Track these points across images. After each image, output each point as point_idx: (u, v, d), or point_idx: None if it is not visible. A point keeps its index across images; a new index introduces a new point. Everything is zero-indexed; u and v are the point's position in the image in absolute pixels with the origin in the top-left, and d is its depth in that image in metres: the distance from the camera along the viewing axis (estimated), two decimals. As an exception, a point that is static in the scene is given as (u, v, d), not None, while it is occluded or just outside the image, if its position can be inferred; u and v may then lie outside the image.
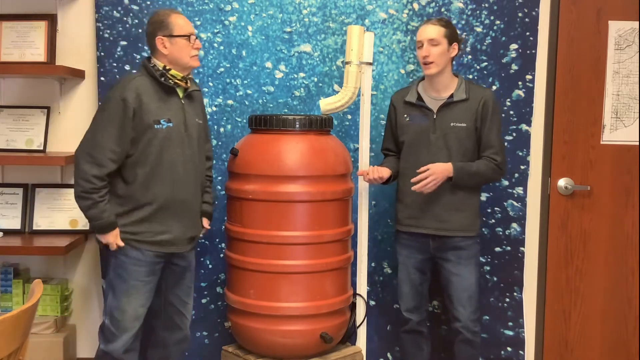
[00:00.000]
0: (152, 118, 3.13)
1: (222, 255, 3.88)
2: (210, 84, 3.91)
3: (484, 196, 3.94)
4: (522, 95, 3.96)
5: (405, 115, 3.55)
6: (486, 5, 3.92)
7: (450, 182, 3.39)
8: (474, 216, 3.54)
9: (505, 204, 4.01)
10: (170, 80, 3.21)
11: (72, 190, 3.94)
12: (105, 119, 3.10)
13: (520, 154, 3.98)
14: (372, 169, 3.51)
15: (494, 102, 3.49)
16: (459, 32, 3.73)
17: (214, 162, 3.89)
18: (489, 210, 4.00)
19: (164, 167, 3.17)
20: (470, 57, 3.95)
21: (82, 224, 3.95)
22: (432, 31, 3.42)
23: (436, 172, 3.34)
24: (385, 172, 3.50)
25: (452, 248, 3.50)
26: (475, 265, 3.56)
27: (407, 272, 3.61)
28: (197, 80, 3.88)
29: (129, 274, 3.19)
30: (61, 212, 3.96)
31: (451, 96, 3.47)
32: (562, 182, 4.06)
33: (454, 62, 3.59)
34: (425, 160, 3.43)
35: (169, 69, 3.21)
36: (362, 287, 3.76)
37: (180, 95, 3.28)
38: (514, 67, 3.95)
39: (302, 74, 3.96)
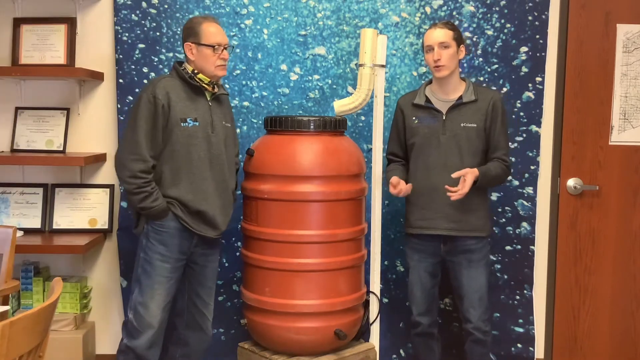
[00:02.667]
0: (179, 116, 3.23)
1: (238, 253, 3.92)
2: (227, 86, 3.96)
3: (494, 196, 4.00)
4: (532, 96, 4.01)
5: (414, 118, 3.57)
6: (497, 8, 3.97)
7: (473, 185, 3.38)
8: (486, 217, 3.57)
9: (515, 203, 4.06)
10: (198, 83, 3.30)
11: (91, 190, 4.04)
12: (139, 118, 3.19)
13: (530, 154, 4.03)
14: (404, 189, 3.47)
15: (502, 104, 3.54)
16: (470, 34, 3.78)
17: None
18: (500, 210, 4.05)
19: (191, 165, 3.27)
20: (481, 59, 4.00)
21: (101, 223, 4.01)
22: (442, 35, 3.44)
23: (470, 180, 3.33)
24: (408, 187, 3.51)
25: (463, 251, 3.53)
26: (486, 266, 3.58)
27: (419, 276, 3.62)
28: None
29: (154, 270, 3.27)
30: (81, 212, 4.02)
31: (460, 97, 3.49)
32: (571, 182, 4.11)
33: (464, 65, 3.64)
34: (435, 162, 3.47)
35: (197, 73, 3.31)
36: (375, 285, 3.79)
37: (208, 97, 3.36)
38: (524, 69, 4.00)
39: (316, 76, 4.02)
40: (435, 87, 3.56)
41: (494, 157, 3.50)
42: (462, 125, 3.48)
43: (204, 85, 3.32)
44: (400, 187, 3.45)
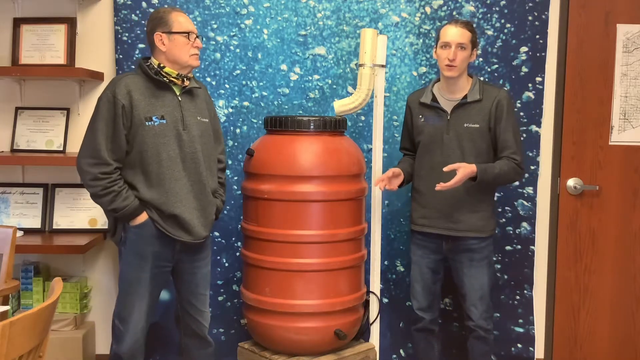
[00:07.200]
0: (143, 115, 3.05)
1: (238, 253, 3.93)
2: (227, 86, 3.98)
3: (494, 196, 3.99)
4: (532, 96, 4.01)
5: (421, 116, 3.56)
6: (497, 8, 3.97)
7: (472, 182, 3.35)
8: (488, 217, 3.54)
9: (515, 203, 4.06)
10: (165, 78, 3.12)
11: (91, 190, 4.03)
12: (98, 120, 3.04)
13: (530, 154, 4.03)
14: (384, 181, 3.49)
15: (508, 102, 3.47)
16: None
17: (230, 162, 3.96)
18: (500, 210, 4.05)
19: (161, 165, 3.09)
20: (481, 59, 4.00)
21: (101, 222, 4.01)
22: (462, 35, 3.40)
23: (461, 174, 3.29)
24: (396, 182, 3.51)
25: (464, 250, 3.52)
26: (488, 266, 3.56)
27: (420, 272, 3.62)
28: (213, 83, 3.96)
29: (134, 280, 3.16)
30: (80, 212, 4.02)
31: (465, 97, 3.47)
32: (571, 182, 4.12)
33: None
34: (439, 161, 3.45)
35: (163, 67, 3.12)
36: (375, 284, 3.80)
37: (177, 92, 3.18)
38: (524, 69, 4.00)
39: (316, 76, 4.02)
40: (443, 86, 3.54)
41: (502, 157, 3.45)
42: (465, 125, 3.45)
43: (171, 79, 3.13)
44: (382, 183, 3.49)
